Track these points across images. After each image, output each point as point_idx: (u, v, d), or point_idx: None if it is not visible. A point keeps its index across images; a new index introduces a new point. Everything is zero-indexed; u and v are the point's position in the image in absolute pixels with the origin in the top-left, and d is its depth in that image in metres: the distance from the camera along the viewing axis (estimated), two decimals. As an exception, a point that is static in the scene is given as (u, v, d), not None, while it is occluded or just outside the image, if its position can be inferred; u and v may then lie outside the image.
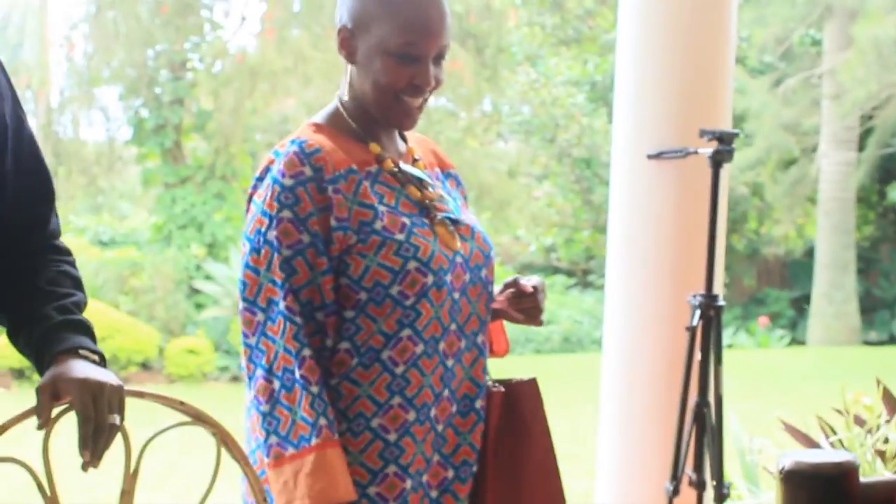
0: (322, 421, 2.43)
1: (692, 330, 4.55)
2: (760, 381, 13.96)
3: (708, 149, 4.58)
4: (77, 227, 18.32)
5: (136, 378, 13.99)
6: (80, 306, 2.53)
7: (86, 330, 2.49)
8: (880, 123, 18.09)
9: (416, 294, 2.51)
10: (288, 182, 2.46)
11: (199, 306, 15.41)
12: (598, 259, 19.00)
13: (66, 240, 2.54)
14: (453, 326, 2.59)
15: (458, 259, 2.60)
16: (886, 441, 5.03)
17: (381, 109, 2.58)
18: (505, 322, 2.84)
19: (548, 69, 19.80)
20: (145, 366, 14.33)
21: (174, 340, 14.40)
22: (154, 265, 15.20)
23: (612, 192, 5.13)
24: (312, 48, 16.11)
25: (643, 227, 4.99)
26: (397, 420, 2.52)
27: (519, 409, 2.70)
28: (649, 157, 4.85)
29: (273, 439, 2.46)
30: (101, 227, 18.73)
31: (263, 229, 2.47)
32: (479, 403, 2.63)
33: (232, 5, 16.88)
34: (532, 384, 2.74)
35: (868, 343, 19.18)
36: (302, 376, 2.44)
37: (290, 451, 2.44)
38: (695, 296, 4.58)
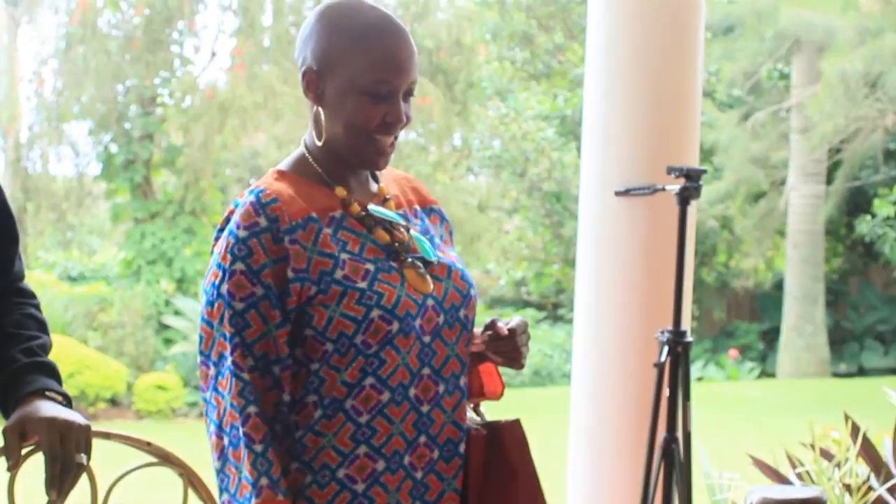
0: (263, 481, 2.34)
1: (660, 366, 4.55)
2: (730, 415, 13.99)
3: (675, 185, 4.59)
4: (46, 262, 18.28)
5: (104, 414, 13.91)
6: (46, 349, 2.53)
7: (52, 372, 2.50)
8: (848, 156, 18.19)
9: (379, 342, 2.42)
10: (242, 234, 2.38)
11: (168, 342, 15.36)
12: (568, 293, 19.02)
13: (35, 275, 2.56)
14: (426, 371, 2.49)
15: (430, 302, 2.51)
16: (855, 475, 5.04)
17: (354, 150, 2.49)
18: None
19: (518, 104, 19.85)
20: (114, 402, 14.26)
21: (143, 376, 14.35)
22: (123, 300, 15.14)
23: (581, 228, 5.14)
24: (282, 83, 16.14)
25: (611, 263, 5.00)
26: (364, 470, 2.43)
27: (503, 451, 2.60)
28: (617, 193, 4.87)
29: (224, 497, 2.40)
30: (70, 262, 18.67)
31: (217, 282, 2.40)
32: (462, 447, 2.54)
33: (202, 41, 16.90)
34: (516, 425, 2.65)
35: (837, 375, 19.24)
36: (245, 434, 2.36)
37: None
38: (663, 332, 4.58)
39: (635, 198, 4.87)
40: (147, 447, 2.84)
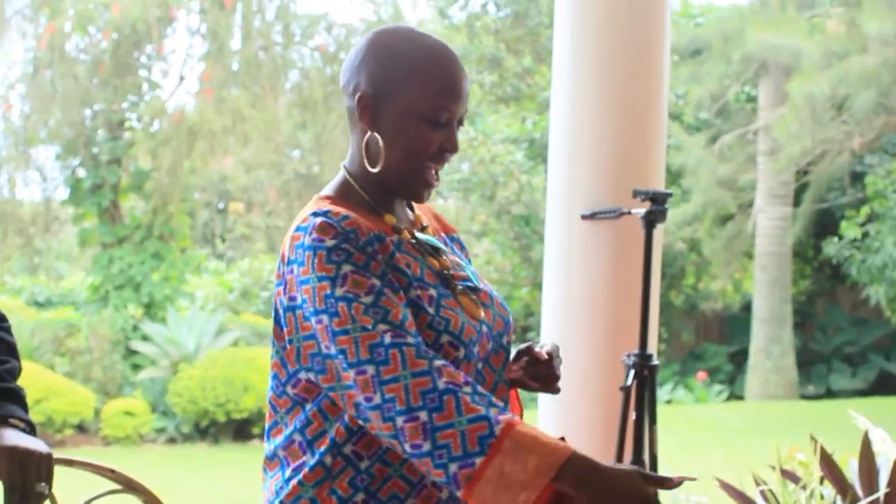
0: (492, 410, 2.23)
1: (626, 389, 4.56)
2: (699, 437, 14.01)
3: (641, 209, 4.61)
4: (13, 287, 18.20)
5: (71, 441, 13.83)
6: (14, 374, 2.51)
7: (17, 398, 2.47)
8: (815, 179, 18.29)
9: None
10: (331, 243, 2.32)
11: (136, 367, 15.29)
12: (537, 316, 19.01)
13: (2, 301, 2.52)
14: None
15: (484, 328, 2.48)
16: (821, 497, 5.05)
17: (405, 178, 2.46)
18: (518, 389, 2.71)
19: (486, 127, 19.89)
20: (81, 428, 14.18)
21: (110, 402, 14.27)
22: (91, 326, 15.07)
23: (547, 251, 5.16)
24: (251, 107, 16.12)
25: (578, 286, 5.01)
26: (430, 499, 2.39)
27: None
28: (583, 217, 4.88)
29: (453, 467, 2.21)
30: (37, 287, 18.60)
31: (330, 292, 2.30)
32: None
33: (170, 65, 16.88)
34: None
35: (805, 397, 19.30)
36: (446, 384, 2.24)
37: (479, 460, 2.20)
38: (629, 355, 4.60)
39: (601, 221, 4.88)
40: (111, 474, 2.83)
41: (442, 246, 2.57)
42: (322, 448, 2.37)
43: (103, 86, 15.99)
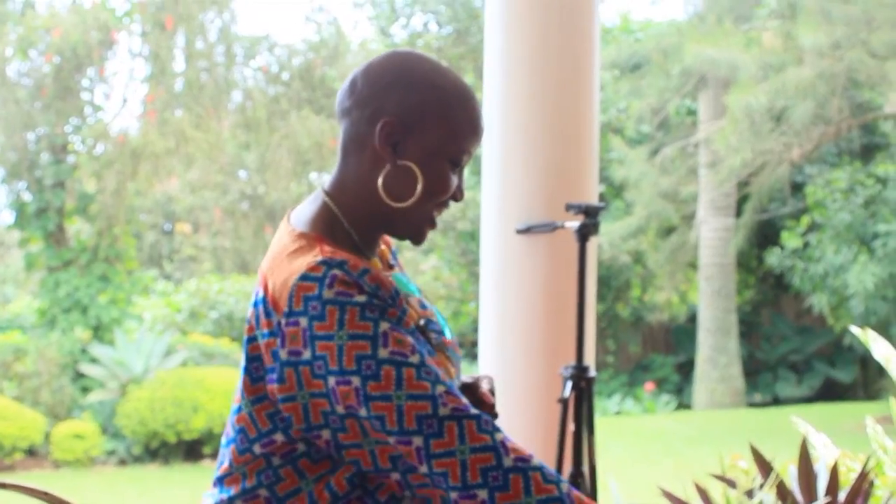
0: (564, 487, 2.10)
1: (564, 401, 4.59)
2: (647, 448, 14.10)
3: (575, 222, 4.65)
4: (-41, 312, 18.08)
5: (21, 465, 13.75)
6: None
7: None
8: (756, 190, 18.45)
9: None
10: (361, 299, 2.12)
11: (85, 390, 15.23)
12: (485, 330, 19.06)
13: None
14: None
15: (454, 385, 2.28)
16: None
17: (410, 219, 2.30)
18: None
19: (431, 144, 19.95)
20: (31, 452, 14.10)
21: (60, 425, 14.20)
22: (38, 349, 14.99)
23: (483, 266, 5.18)
24: (194, 128, 16.11)
25: (515, 300, 5.04)
26: None
27: None
28: (518, 231, 4.91)
29: None
30: (-17, 312, 18.50)
31: (370, 353, 2.10)
32: None
33: (112, 87, 16.84)
34: None
35: (753, 405, 19.45)
36: (515, 461, 2.09)
37: None
38: (566, 367, 4.64)
39: (536, 235, 4.90)
40: (45, 496, 2.76)
41: (416, 293, 2.42)
42: None
43: (46, 109, 15.93)
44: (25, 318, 17.61)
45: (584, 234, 4.63)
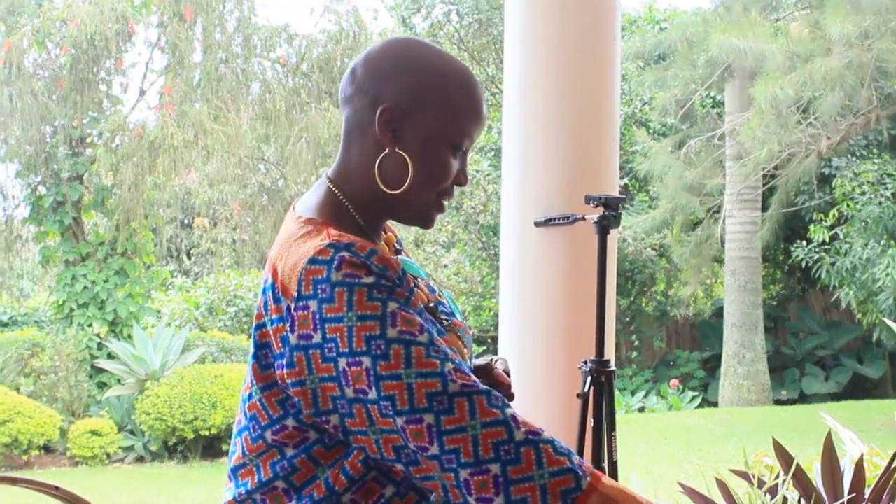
0: (576, 459, 2.09)
1: (584, 396, 4.49)
2: (672, 445, 13.96)
3: (594, 214, 4.54)
4: (-24, 308, 18.05)
5: (38, 462, 13.74)
6: None
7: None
8: (782, 182, 18.26)
9: None
10: (369, 280, 2.12)
11: (101, 386, 15.18)
12: (507, 325, 18.94)
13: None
14: None
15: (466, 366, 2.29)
16: (785, 501, 4.99)
17: (417, 204, 2.30)
18: None
19: (452, 136, 19.85)
20: (48, 448, 14.07)
21: (77, 422, 14.15)
22: (55, 345, 14.95)
23: (503, 260, 5.11)
24: (212, 121, 16.02)
25: (534, 294, 4.95)
26: None
27: None
28: (537, 224, 4.83)
29: None
30: (0, 307, 18.46)
31: (379, 332, 2.10)
32: None
33: (130, 79, 16.77)
34: None
35: (779, 402, 19.30)
36: (526, 434, 2.08)
37: None
38: (585, 362, 4.53)
39: (555, 228, 4.83)
40: (55, 492, 2.78)
41: (423, 275, 2.43)
42: (313, 495, 2.22)
43: (63, 102, 15.89)
44: (42, 314, 17.60)
45: (604, 226, 4.54)
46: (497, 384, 2.47)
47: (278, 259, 2.23)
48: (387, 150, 2.26)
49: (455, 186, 2.34)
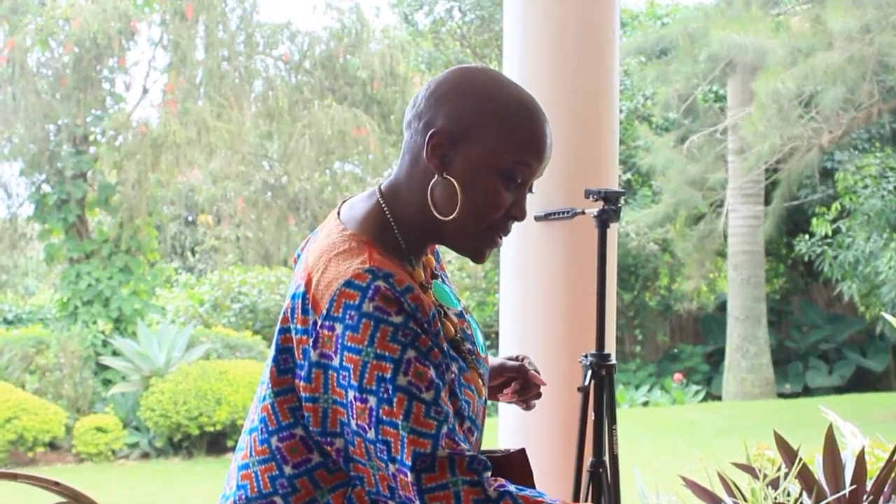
0: (548, 499, 2.14)
1: (584, 390, 4.49)
2: (675, 438, 13.95)
3: (594, 208, 4.54)
4: (-20, 305, 18.07)
5: (43, 458, 13.76)
6: None
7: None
8: (785, 176, 18.25)
9: None
10: (398, 319, 2.10)
11: (106, 383, 15.20)
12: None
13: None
14: None
15: (484, 403, 2.37)
16: (788, 494, 5.00)
17: (465, 236, 2.25)
18: None
19: (453, 133, 19.85)
20: (53, 445, 14.09)
21: (82, 418, 14.18)
22: (60, 342, 14.97)
23: (503, 254, 5.08)
24: (216, 118, 16.04)
25: (534, 288, 4.94)
26: None
27: (509, 479, 2.36)
28: (536, 218, 4.80)
29: None
30: (5, 304, 18.49)
31: (390, 376, 2.08)
32: None
33: (133, 77, 16.79)
34: (522, 455, 2.43)
35: (783, 396, 19.28)
36: (498, 491, 2.11)
37: None
38: (586, 355, 4.53)
39: (555, 222, 4.81)
40: (55, 487, 2.80)
41: (453, 298, 2.41)
42: None
43: (66, 100, 15.91)
44: (47, 311, 17.62)
45: (604, 220, 4.53)
46: (531, 386, 2.57)
47: (315, 270, 2.20)
48: (436, 176, 2.22)
49: (512, 222, 2.27)
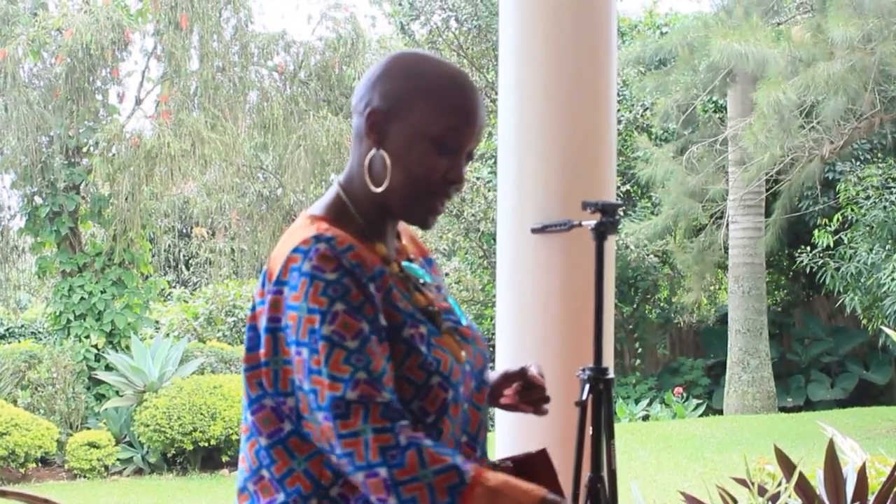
0: (459, 458, 2.21)
1: (582, 404, 4.42)
2: (676, 453, 13.84)
3: (591, 221, 4.47)
4: (-28, 319, 17.96)
5: (35, 475, 13.67)
6: None
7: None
8: (786, 187, 18.12)
9: (436, 411, 2.33)
10: (331, 276, 2.24)
11: (100, 398, 15.09)
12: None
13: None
14: (464, 438, 2.44)
15: (467, 368, 2.43)
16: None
17: (407, 204, 2.39)
18: None
19: (452, 143, 19.78)
20: (45, 461, 13.99)
21: (75, 434, 14.06)
22: (52, 357, 14.86)
23: (499, 267, 5.05)
24: (210, 130, 15.93)
25: (531, 301, 4.91)
26: None
27: (537, 481, 2.41)
28: (533, 230, 4.78)
29: None
30: (-4, 318, 18.41)
31: (317, 326, 2.21)
32: None
33: (126, 88, 16.69)
34: (543, 455, 2.61)
35: (784, 409, 19.16)
36: (408, 440, 2.19)
37: None
38: (584, 369, 4.45)
39: (552, 234, 4.78)
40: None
41: (428, 278, 2.52)
42: (299, 488, 2.31)
43: (58, 111, 15.83)
44: (39, 325, 17.52)
45: (602, 232, 4.51)
46: (532, 387, 2.62)
47: (276, 250, 2.36)
48: (373, 150, 2.38)
49: (451, 187, 2.40)
